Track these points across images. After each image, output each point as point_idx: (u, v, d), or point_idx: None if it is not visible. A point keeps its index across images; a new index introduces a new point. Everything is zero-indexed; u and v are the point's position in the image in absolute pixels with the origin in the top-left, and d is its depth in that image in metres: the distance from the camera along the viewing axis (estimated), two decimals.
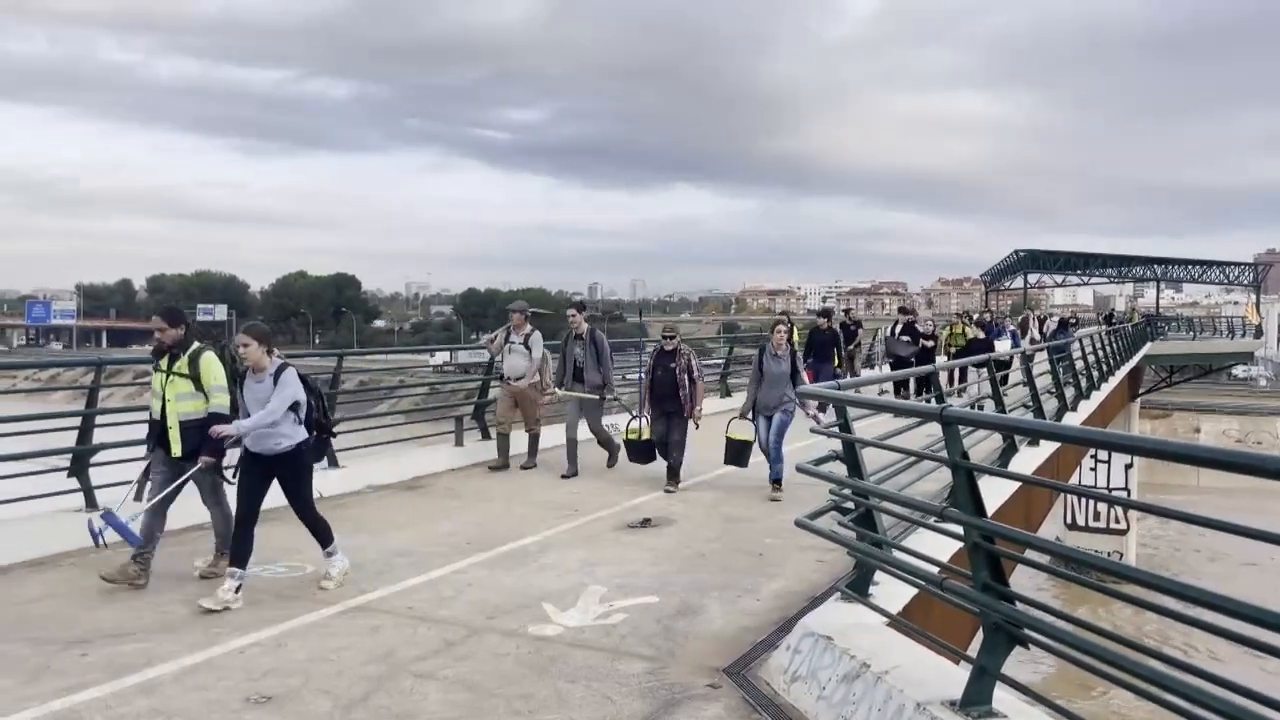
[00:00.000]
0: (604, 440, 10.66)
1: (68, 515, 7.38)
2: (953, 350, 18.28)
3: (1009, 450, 9.17)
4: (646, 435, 9.90)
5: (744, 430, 9.52)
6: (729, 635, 5.43)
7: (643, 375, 10.28)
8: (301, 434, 6.27)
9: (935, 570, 4.28)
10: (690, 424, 9.63)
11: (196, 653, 5.02)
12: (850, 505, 5.16)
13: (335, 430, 7.02)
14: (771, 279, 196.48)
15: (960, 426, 4.14)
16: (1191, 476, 35.09)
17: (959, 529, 4.00)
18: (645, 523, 8.11)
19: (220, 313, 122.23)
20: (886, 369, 18.77)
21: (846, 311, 27.30)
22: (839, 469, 5.30)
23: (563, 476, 10.15)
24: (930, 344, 17.42)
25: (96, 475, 7.67)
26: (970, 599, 3.83)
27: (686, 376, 9.53)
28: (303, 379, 6.33)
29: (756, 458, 9.62)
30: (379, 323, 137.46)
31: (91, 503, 7.54)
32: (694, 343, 15.95)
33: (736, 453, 9.59)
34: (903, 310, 19.19)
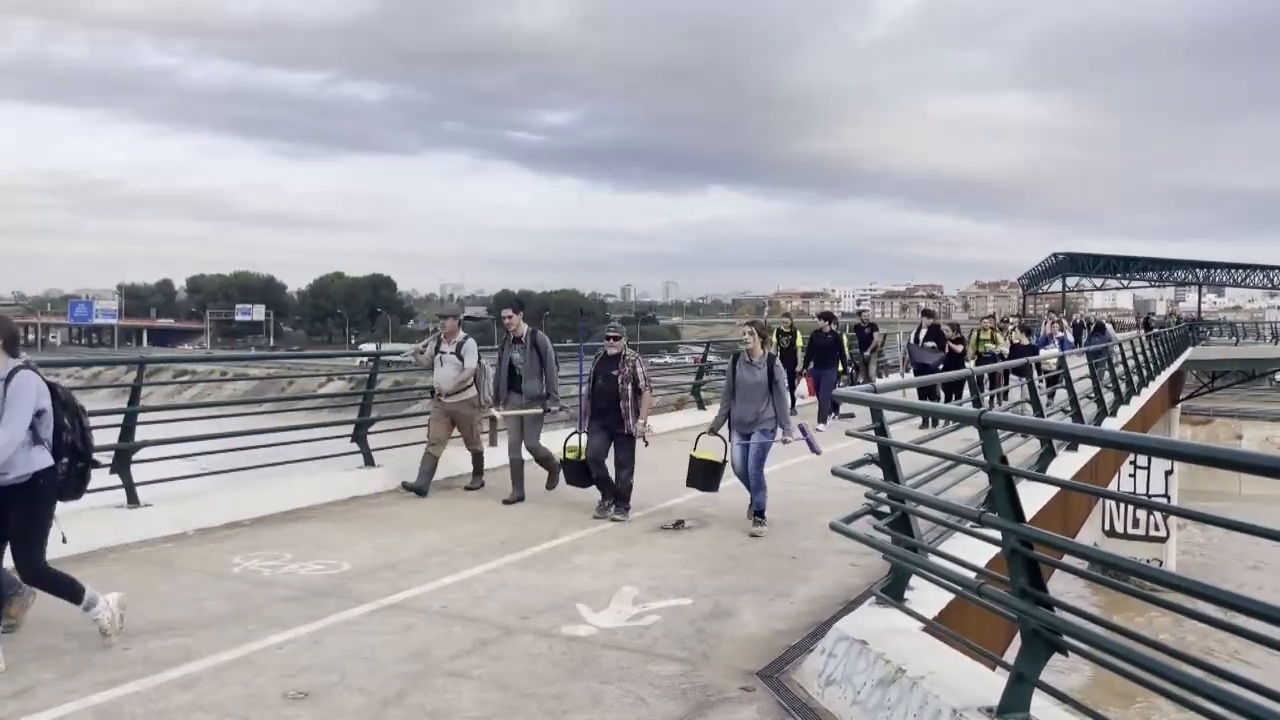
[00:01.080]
0: (543, 458, 9.35)
1: (110, 511, 7.50)
2: (979, 357, 16.05)
3: (1047, 455, 9.06)
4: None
5: (713, 448, 8.32)
6: (762, 638, 5.41)
7: (582, 384, 9.04)
8: (42, 460, 4.91)
9: (972, 575, 4.24)
10: (638, 441, 8.43)
11: (234, 649, 5.07)
12: (886, 509, 5.13)
13: (96, 460, 5.38)
14: (805, 281, 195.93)
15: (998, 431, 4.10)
16: (1233, 484, 34.48)
17: (996, 534, 3.96)
18: (678, 524, 8.10)
19: (258, 313, 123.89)
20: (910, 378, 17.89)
21: (861, 314, 24.90)
22: (874, 472, 5.27)
23: (504, 501, 8.96)
24: (959, 349, 15.63)
25: (138, 472, 7.79)
26: (1008, 605, 3.79)
27: (630, 386, 8.29)
28: (53, 389, 4.97)
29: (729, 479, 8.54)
30: (414, 323, 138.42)
31: (134, 498, 7.67)
32: (728, 346, 15.14)
33: (701, 474, 8.39)
34: (926, 313, 16.95)
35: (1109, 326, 26.13)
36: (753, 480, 8.13)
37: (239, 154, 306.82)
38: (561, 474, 9.05)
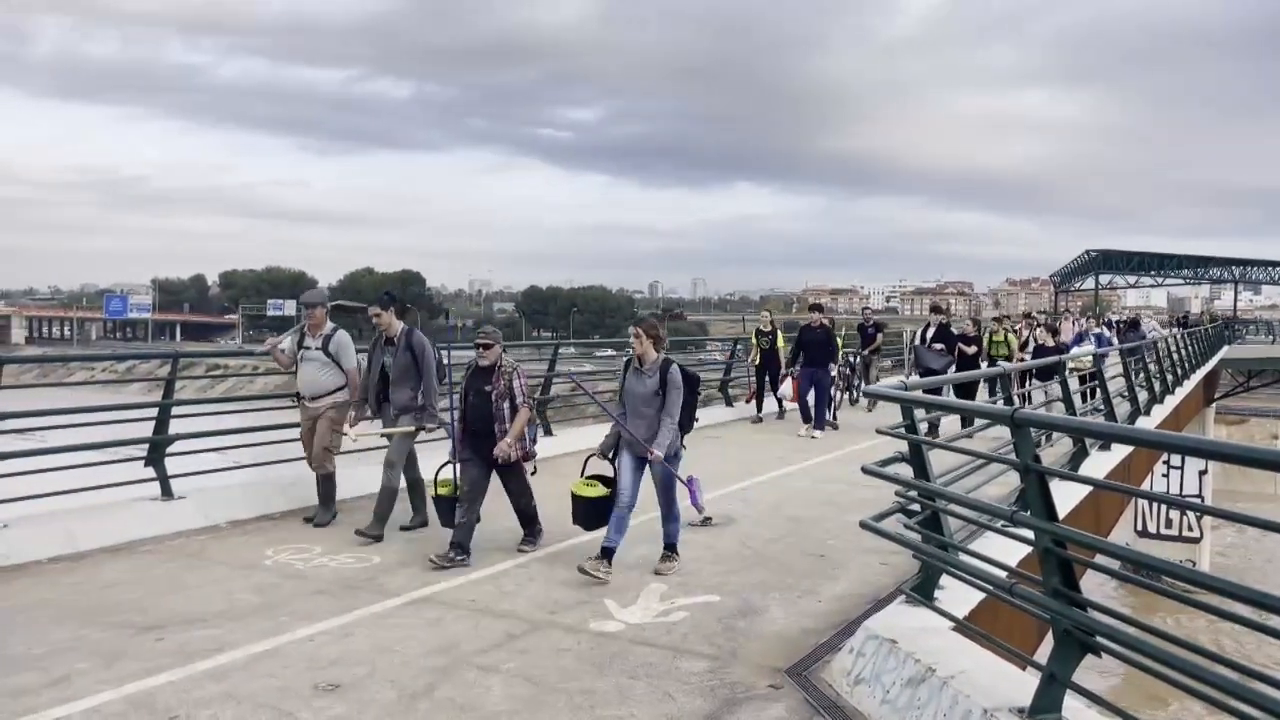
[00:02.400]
0: (387, 488, 7.38)
1: (144, 503, 7.60)
2: (991, 360, 14.56)
3: (1079, 454, 8.97)
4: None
5: (595, 482, 6.77)
6: (790, 636, 5.39)
7: (453, 404, 7.31)
8: None
9: (1003, 575, 4.20)
10: (528, 466, 7.11)
11: (265, 640, 5.13)
12: (916, 507, 5.09)
13: None
14: (834, 278, 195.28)
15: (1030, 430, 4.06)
16: (1269, 485, 34.03)
17: (1028, 533, 3.92)
18: (706, 521, 8.08)
19: (289, 308, 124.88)
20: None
21: (866, 309, 22.91)
22: (904, 470, 5.23)
23: (402, 528, 7.55)
24: (973, 350, 13.86)
25: (172, 464, 7.90)
26: (1041, 605, 3.75)
27: (507, 404, 6.88)
28: None
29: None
30: (443, 319, 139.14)
31: (167, 491, 7.77)
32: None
33: (585, 515, 6.77)
34: (935, 309, 15.09)
35: (1149, 321, 25.63)
36: (662, 508, 6.68)
37: (267, 151, 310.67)
38: (434, 512, 7.40)
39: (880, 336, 17.91)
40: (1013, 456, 4.29)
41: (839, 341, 15.01)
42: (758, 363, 15.21)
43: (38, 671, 4.66)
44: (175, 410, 8.14)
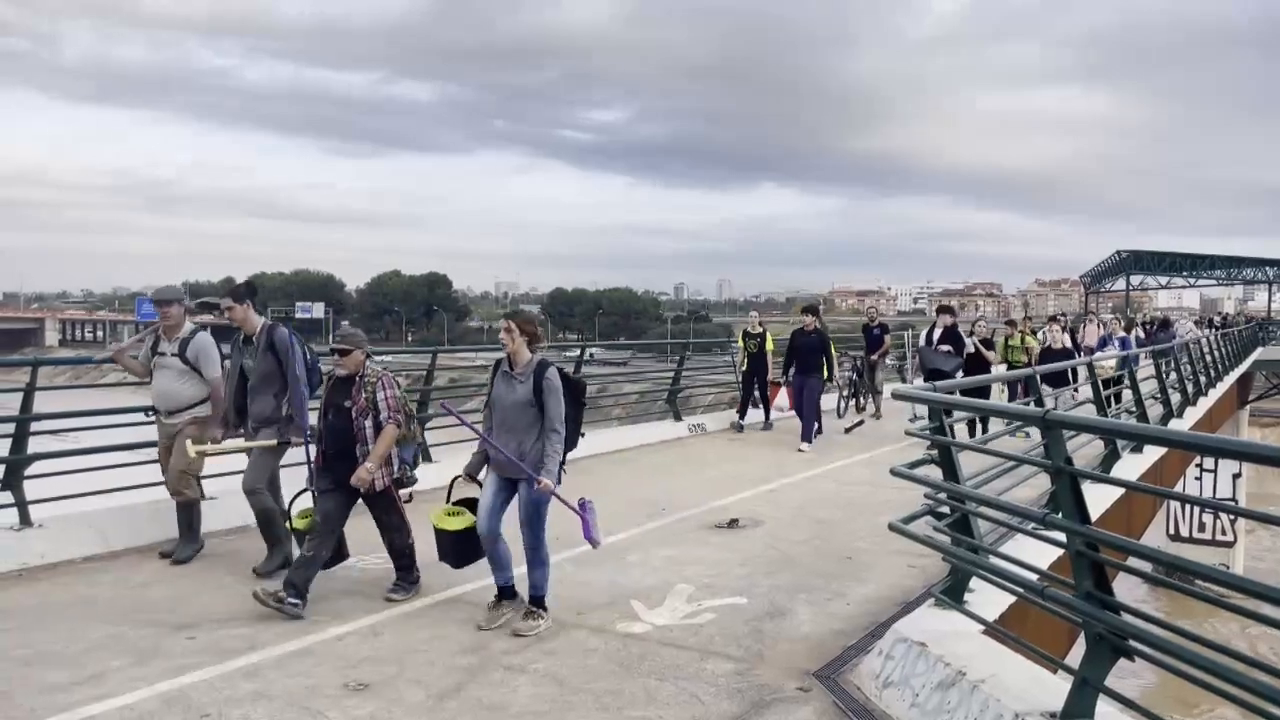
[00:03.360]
0: (262, 510, 6.47)
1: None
2: (1014, 363, 14.33)
3: (1111, 456, 8.88)
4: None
5: (460, 510, 5.83)
6: (818, 638, 5.37)
7: (305, 426, 6.34)
8: None
9: (1034, 578, 4.17)
10: (403, 494, 6.18)
11: (296, 639, 5.17)
12: (945, 509, 5.06)
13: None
14: (860, 279, 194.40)
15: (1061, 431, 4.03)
16: None
17: (1058, 535, 3.89)
18: (732, 523, 8.07)
19: (318, 310, 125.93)
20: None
21: (871, 308, 21.79)
22: (933, 472, 5.20)
23: (255, 572, 6.36)
24: (990, 354, 13.20)
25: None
26: (1073, 608, 3.71)
27: (370, 421, 5.82)
28: None
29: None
30: (470, 321, 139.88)
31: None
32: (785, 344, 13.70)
33: (454, 550, 5.83)
34: (943, 309, 13.68)
35: (1184, 322, 25.16)
36: (527, 549, 5.50)
37: (292, 153, 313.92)
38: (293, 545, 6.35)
39: (888, 339, 16.76)
40: (1043, 458, 4.26)
41: (834, 349, 13.61)
42: (745, 367, 14.17)
43: (72, 669, 4.72)
44: None
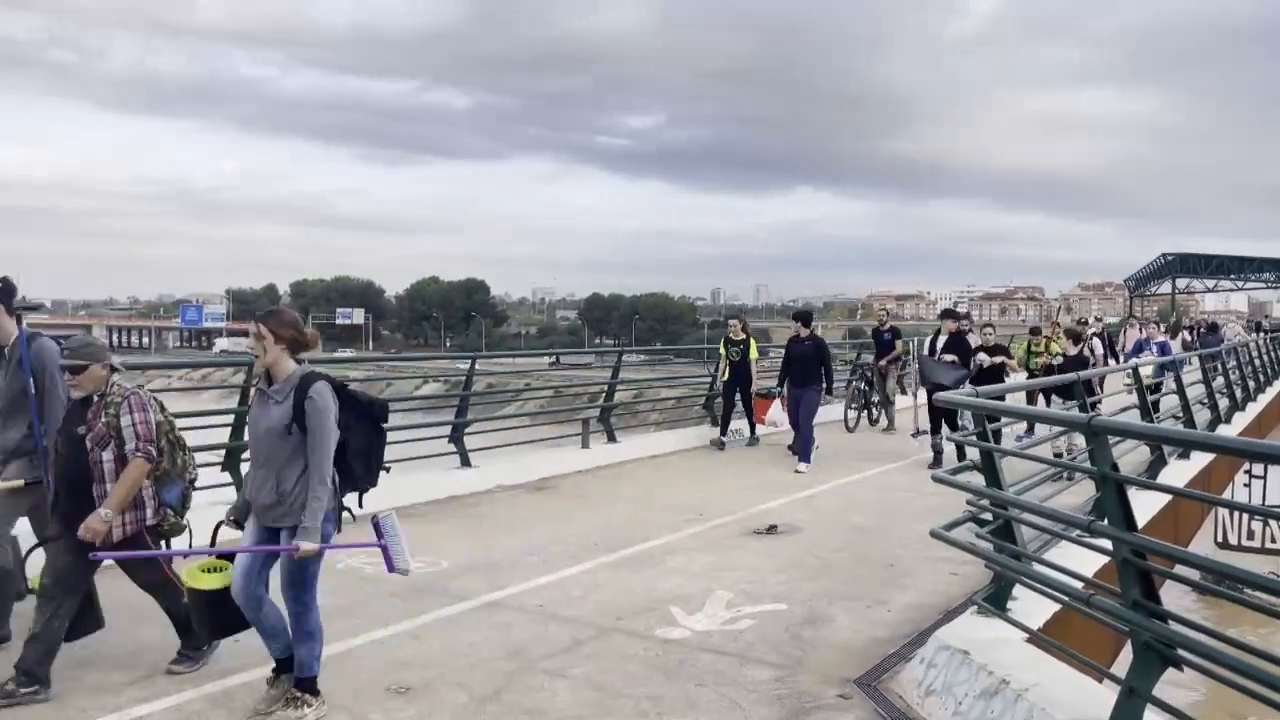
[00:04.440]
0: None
1: (222, 507, 7.77)
2: (1036, 371, 12.93)
3: (1157, 463, 8.75)
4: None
5: (224, 564, 4.58)
6: (859, 646, 5.33)
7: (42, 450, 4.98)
8: None
9: (1079, 585, 4.11)
10: (164, 548, 4.89)
11: (339, 642, 5.21)
12: (988, 516, 5.01)
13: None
14: (900, 284, 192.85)
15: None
16: None
17: (1103, 543, 3.84)
18: (771, 529, 8.04)
19: (358, 316, 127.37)
20: (921, 397, 12.88)
21: (882, 311, 18.43)
22: (975, 478, 5.16)
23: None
24: (995, 361, 11.34)
25: (247, 469, 8.07)
26: (1120, 617, 3.66)
27: (109, 453, 4.58)
28: None
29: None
30: (507, 326, 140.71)
31: None
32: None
33: (208, 614, 4.57)
34: (947, 314, 12.44)
35: (1232, 325, 24.58)
36: (290, 617, 4.36)
37: (330, 160, 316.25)
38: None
39: (900, 344, 15.34)
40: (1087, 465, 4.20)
41: (832, 362, 12.41)
42: (726, 376, 12.79)
43: (122, 670, 4.80)
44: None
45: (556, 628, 5.55)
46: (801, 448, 11.43)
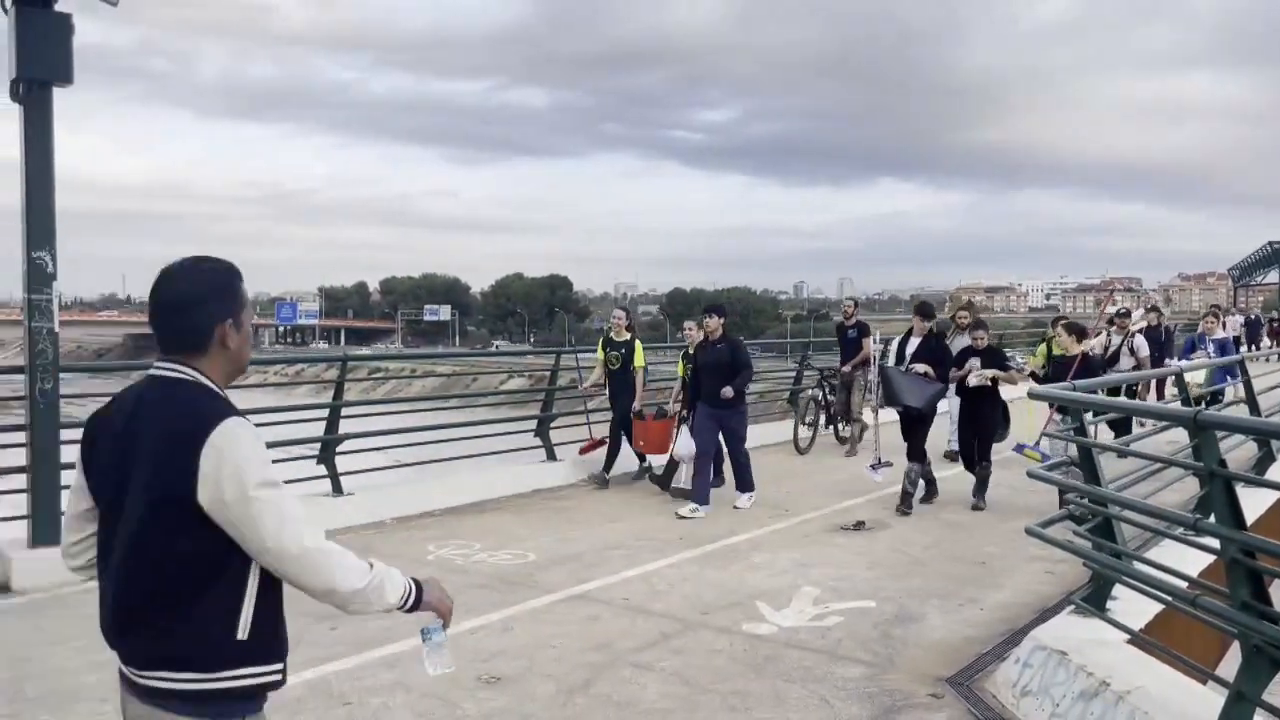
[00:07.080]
0: None
1: (316, 499, 8.01)
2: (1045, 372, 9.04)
3: (1265, 459, 8.40)
4: None
5: None
6: (951, 645, 5.24)
7: None
8: None
9: (1183, 585, 3.97)
10: None
11: None
12: (1086, 514, 4.87)
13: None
14: (989, 276, 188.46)
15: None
16: None
17: (1208, 541, 3.70)
18: (858, 525, 7.94)
19: (445, 313, 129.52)
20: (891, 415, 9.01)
21: (845, 303, 12.96)
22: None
23: None
24: (986, 377, 8.64)
25: (340, 462, 8.30)
26: (1228, 618, 3.53)
27: None
28: None
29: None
30: (590, 322, 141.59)
31: (337, 487, 8.17)
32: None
33: None
34: (920, 311, 9.02)
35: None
36: None
37: (417, 161, 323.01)
38: None
39: (868, 343, 11.16)
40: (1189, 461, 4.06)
41: (753, 365, 9.17)
42: (603, 386, 9.94)
43: None
44: (344, 411, 8.57)
45: (643, 621, 5.57)
46: (737, 479, 8.78)
